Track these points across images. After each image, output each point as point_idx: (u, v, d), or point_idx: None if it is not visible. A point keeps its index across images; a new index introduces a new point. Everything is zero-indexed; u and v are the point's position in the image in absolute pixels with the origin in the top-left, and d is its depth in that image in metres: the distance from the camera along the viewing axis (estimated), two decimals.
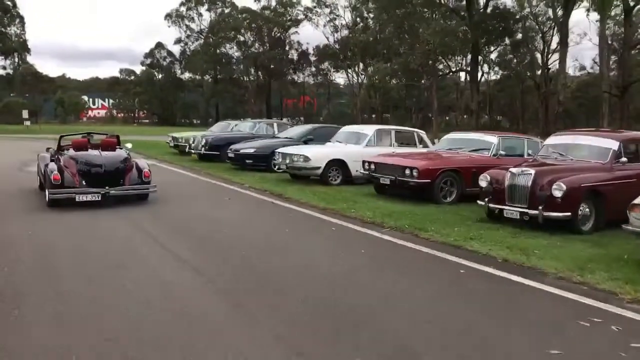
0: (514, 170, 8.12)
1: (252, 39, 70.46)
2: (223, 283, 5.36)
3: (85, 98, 79.10)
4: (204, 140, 17.54)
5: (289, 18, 69.21)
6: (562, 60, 36.27)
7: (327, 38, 67.12)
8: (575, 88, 64.63)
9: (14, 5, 59.66)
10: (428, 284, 5.46)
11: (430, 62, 40.10)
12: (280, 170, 14.86)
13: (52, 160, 10.06)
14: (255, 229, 8.05)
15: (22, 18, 62.02)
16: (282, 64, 71.42)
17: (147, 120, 78.99)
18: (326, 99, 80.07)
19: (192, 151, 18.05)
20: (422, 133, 14.01)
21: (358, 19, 56.08)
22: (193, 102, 78.63)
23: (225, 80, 73.95)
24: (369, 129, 13.45)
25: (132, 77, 76.97)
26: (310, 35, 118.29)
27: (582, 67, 66.30)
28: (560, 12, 37.66)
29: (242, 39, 70.04)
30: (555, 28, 53.89)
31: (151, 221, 8.44)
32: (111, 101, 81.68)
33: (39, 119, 64.59)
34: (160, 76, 76.60)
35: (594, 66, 60.31)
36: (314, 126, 16.41)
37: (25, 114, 45.40)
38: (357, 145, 13.09)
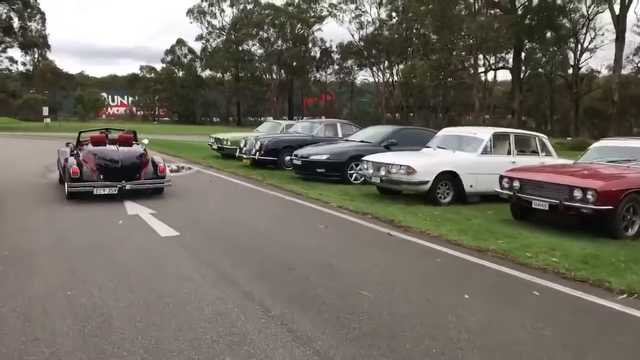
0: None
1: (274, 36, 67.39)
2: None
3: (105, 95, 76.40)
4: (258, 144, 14.54)
5: (312, 14, 66.15)
6: (619, 58, 33.03)
7: (352, 35, 64.23)
8: (605, 88, 61.04)
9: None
10: None
11: (471, 58, 36.83)
12: (357, 182, 11.91)
13: (71, 155, 10.37)
14: (412, 295, 5.03)
15: (42, 13, 59.26)
16: (305, 62, 68.37)
17: (167, 118, 76.19)
18: (348, 98, 77.01)
19: (244, 156, 15.05)
20: (545, 138, 10.94)
21: (393, 14, 52.58)
22: (213, 100, 75.69)
23: (247, 78, 70.97)
24: (484, 133, 10.38)
25: (152, 74, 74.05)
26: (333, 32, 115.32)
27: (612, 67, 62.62)
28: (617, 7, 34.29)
29: (264, 35, 66.99)
30: (586, 26, 50.82)
31: (235, 266, 5.46)
32: (130, 99, 78.93)
33: (59, 116, 62.15)
34: (180, 73, 73.64)
35: (626, 65, 56.99)
36: (396, 128, 13.33)
37: (45, 111, 42.90)
38: (470, 152, 10.06)
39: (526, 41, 39.31)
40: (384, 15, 54.13)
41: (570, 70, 54.47)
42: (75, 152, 10.57)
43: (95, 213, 8.51)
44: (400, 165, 9.55)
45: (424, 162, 9.66)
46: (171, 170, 14.75)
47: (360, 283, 5.13)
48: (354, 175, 12.20)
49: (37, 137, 30.79)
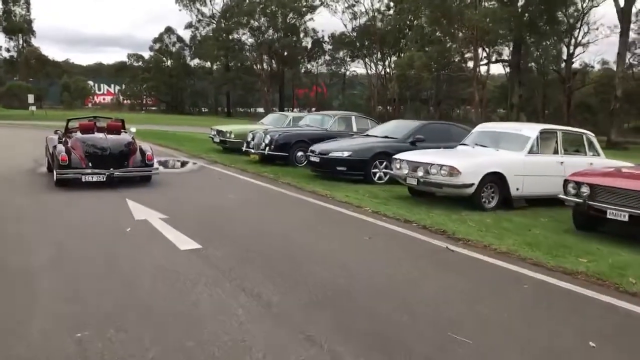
0: None
1: (265, 25, 65.70)
2: None
3: (91, 83, 74.11)
4: (268, 138, 13.30)
5: (305, 3, 64.58)
6: (622, 52, 32.16)
7: (345, 26, 62.90)
8: (599, 83, 60.34)
9: None
10: None
11: (471, 50, 35.74)
12: (381, 182, 10.79)
13: (59, 143, 10.24)
14: (522, 341, 3.91)
15: None
16: (297, 52, 66.82)
17: (155, 108, 74.18)
18: (340, 89, 75.74)
19: (252, 151, 13.79)
20: (592, 136, 9.87)
21: (391, 3, 51.22)
22: (202, 90, 73.86)
23: (237, 68, 69.22)
24: (530, 130, 9.29)
25: (140, 63, 71.94)
26: (325, 22, 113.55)
27: (605, 62, 61.85)
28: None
29: (255, 24, 65.28)
30: (581, 20, 50.01)
31: (281, 294, 4.29)
32: (117, 87, 76.75)
33: (44, 104, 59.98)
34: (169, 62, 71.64)
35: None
36: (422, 122, 12.15)
37: (30, 98, 41.09)
38: (516, 152, 8.95)
39: (527, 34, 38.19)
40: (381, 6, 52.68)
41: (563, 65, 53.80)
42: (63, 139, 10.47)
43: (98, 217, 7.28)
44: (442, 166, 8.42)
45: (468, 162, 8.54)
46: (175, 166, 13.53)
47: (445, 321, 4.01)
48: (378, 174, 11.05)
49: (22, 126, 29.18)
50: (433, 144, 10.73)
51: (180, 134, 24.04)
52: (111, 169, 9.51)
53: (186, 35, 71.35)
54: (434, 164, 8.54)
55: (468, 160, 8.64)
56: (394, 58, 63.30)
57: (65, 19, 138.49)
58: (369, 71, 64.01)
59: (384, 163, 10.96)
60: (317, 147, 11.57)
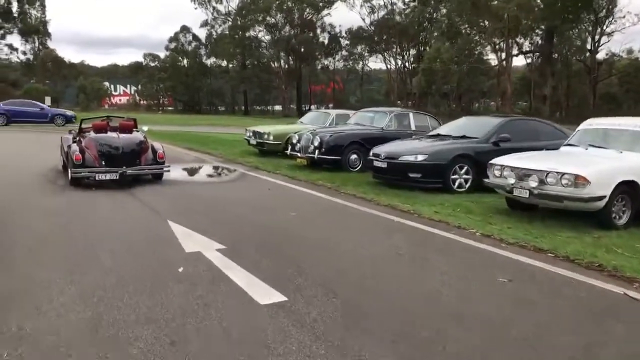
0: None
1: (282, 22, 63.85)
2: None
3: (107, 84, 72.68)
4: (317, 140, 11.51)
5: None
6: None
7: (363, 20, 60.95)
8: (624, 73, 57.73)
9: None
10: None
11: (502, 41, 33.65)
12: (462, 190, 9.00)
13: (73, 142, 10.39)
14: None
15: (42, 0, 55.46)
16: (314, 48, 64.84)
17: (171, 108, 72.62)
18: (358, 85, 73.77)
19: (298, 154, 12.02)
20: None
21: None
22: (219, 89, 72.21)
23: (254, 66, 67.43)
24: None
25: (156, 63, 70.39)
26: (341, 18, 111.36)
27: (630, 51, 59.17)
28: None
29: (272, 21, 63.46)
30: (608, 9, 47.58)
31: None
32: (133, 88, 75.36)
33: (60, 105, 58.58)
34: (185, 61, 70.03)
35: None
36: (505, 119, 10.20)
37: (47, 100, 39.59)
38: None
39: (560, 22, 36.04)
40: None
41: (588, 55, 51.47)
42: (77, 139, 10.50)
43: (138, 250, 5.55)
44: (563, 174, 6.59)
45: (596, 170, 6.69)
46: (214, 175, 11.84)
47: None
48: (458, 181, 9.23)
49: (40, 130, 27.66)
50: (519, 145, 8.92)
51: (204, 135, 22.32)
52: (124, 167, 9.52)
53: (202, 33, 69.87)
54: (551, 172, 6.71)
55: (594, 166, 6.80)
56: (412, 52, 61.50)
57: (78, 21, 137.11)
58: (389, 66, 62.08)
59: (465, 168, 9.16)
60: (381, 150, 9.76)
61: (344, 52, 67.78)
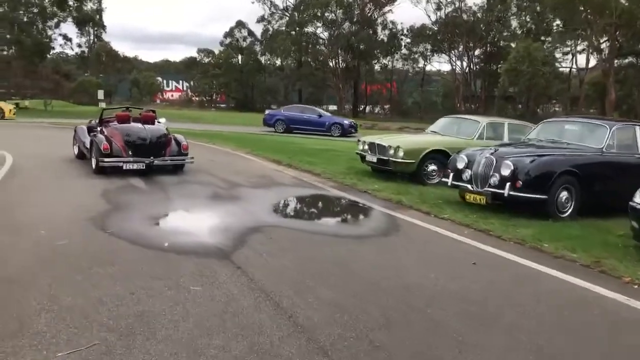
0: None
1: (341, 17, 59.93)
2: None
3: (160, 79, 70.50)
4: (507, 166, 7.26)
5: None
6: None
7: (429, 16, 56.52)
8: None
9: None
10: None
11: (607, 40, 28.89)
12: None
13: (90, 132, 10.65)
14: None
15: None
16: (373, 46, 60.65)
17: (224, 105, 69.77)
18: (414, 86, 69.13)
19: (469, 187, 7.87)
20: None
21: None
22: (273, 86, 68.95)
23: (308, 63, 63.73)
24: None
25: (210, 58, 67.62)
26: (402, 15, 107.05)
27: None
28: None
29: (330, 17, 59.63)
30: None
31: None
32: (185, 84, 72.99)
33: (113, 99, 56.67)
34: (240, 57, 67.00)
35: None
36: None
37: (100, 94, 37.28)
38: None
39: None
40: None
41: None
42: (100, 129, 10.45)
43: None
44: None
45: None
46: (331, 215, 8.01)
47: None
48: None
49: None
50: None
51: (284, 140, 18.51)
52: (151, 158, 9.64)
53: (257, 29, 66.74)
54: None
55: None
56: (477, 52, 56.81)
57: (131, 17, 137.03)
58: (453, 66, 57.41)
59: None
60: None
61: (404, 51, 63.29)
